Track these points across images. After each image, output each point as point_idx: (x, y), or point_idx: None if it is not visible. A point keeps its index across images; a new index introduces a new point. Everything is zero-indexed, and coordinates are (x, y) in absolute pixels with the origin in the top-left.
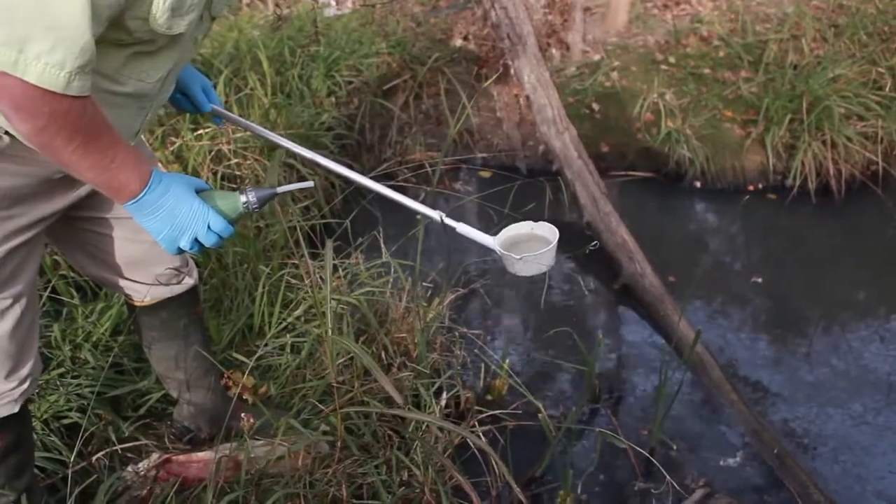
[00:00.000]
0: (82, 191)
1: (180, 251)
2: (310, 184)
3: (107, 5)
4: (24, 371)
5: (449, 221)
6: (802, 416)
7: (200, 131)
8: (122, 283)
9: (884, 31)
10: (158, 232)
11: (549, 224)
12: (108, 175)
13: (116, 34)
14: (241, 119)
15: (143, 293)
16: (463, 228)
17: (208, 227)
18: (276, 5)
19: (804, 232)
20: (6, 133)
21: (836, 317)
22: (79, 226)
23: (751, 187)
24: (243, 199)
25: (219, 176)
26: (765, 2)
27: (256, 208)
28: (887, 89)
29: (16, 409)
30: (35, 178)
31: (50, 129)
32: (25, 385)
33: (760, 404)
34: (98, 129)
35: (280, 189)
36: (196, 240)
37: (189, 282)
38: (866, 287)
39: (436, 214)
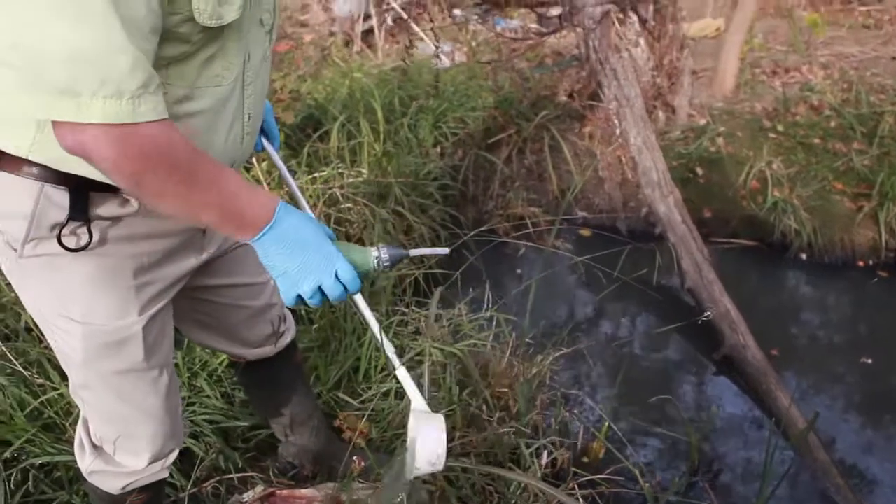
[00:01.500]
0: (207, 252)
1: (298, 301)
2: (445, 251)
3: (142, 16)
4: (178, 439)
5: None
6: None
7: (316, 174)
8: (224, 346)
9: None
10: (282, 271)
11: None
12: (229, 207)
13: (176, 47)
14: (278, 159)
15: (245, 355)
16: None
17: (336, 275)
18: (403, 60)
19: None
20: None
21: None
22: (189, 294)
23: (860, 263)
24: (375, 254)
25: (331, 220)
26: (880, 73)
27: (387, 266)
28: None
29: (166, 475)
30: (169, 241)
31: (145, 169)
32: (176, 451)
33: (867, 493)
34: (196, 158)
35: (412, 252)
36: (320, 288)
37: (286, 340)
38: None
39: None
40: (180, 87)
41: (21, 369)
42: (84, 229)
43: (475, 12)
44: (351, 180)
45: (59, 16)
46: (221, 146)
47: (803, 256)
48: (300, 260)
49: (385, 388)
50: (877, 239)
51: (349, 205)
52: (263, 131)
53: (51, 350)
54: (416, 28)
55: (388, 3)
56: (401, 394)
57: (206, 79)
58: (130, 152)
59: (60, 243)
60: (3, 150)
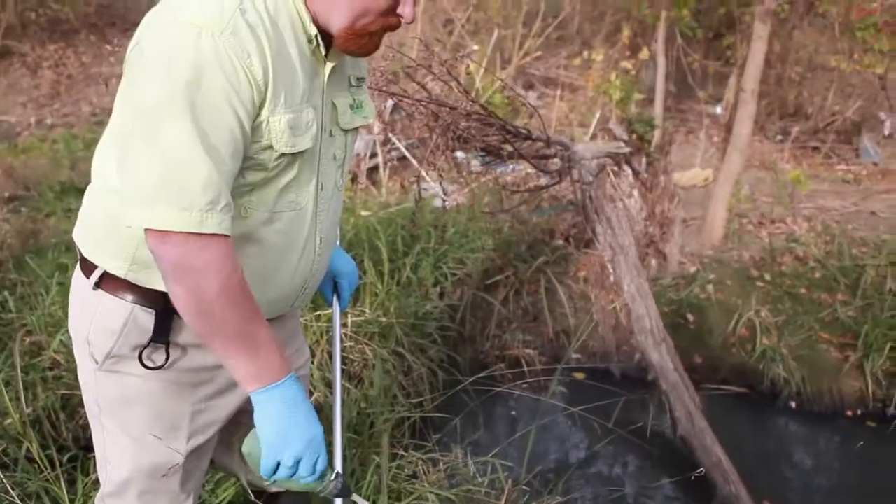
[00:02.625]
0: None
1: (274, 468)
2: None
3: (225, 141)
4: None
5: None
6: None
7: (319, 312)
8: (254, 476)
9: None
10: (270, 433)
11: None
12: (249, 349)
13: (256, 174)
14: (337, 321)
15: (268, 487)
16: None
17: (316, 462)
18: (413, 212)
19: None
20: None
21: None
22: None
23: (849, 412)
24: (331, 477)
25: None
26: (860, 226)
27: (334, 490)
28: None
29: None
30: (228, 375)
31: (196, 278)
32: None
33: None
34: (242, 290)
35: (354, 497)
36: (297, 463)
37: None
38: None
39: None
40: (262, 210)
41: (18, 501)
42: (162, 351)
43: (477, 160)
44: (354, 319)
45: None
46: (295, 264)
47: (793, 405)
48: (289, 428)
49: None
50: (864, 389)
51: (351, 343)
52: (336, 291)
53: (51, 482)
54: (422, 171)
55: (394, 143)
56: None
57: (284, 204)
58: (187, 259)
59: (141, 362)
60: (106, 269)
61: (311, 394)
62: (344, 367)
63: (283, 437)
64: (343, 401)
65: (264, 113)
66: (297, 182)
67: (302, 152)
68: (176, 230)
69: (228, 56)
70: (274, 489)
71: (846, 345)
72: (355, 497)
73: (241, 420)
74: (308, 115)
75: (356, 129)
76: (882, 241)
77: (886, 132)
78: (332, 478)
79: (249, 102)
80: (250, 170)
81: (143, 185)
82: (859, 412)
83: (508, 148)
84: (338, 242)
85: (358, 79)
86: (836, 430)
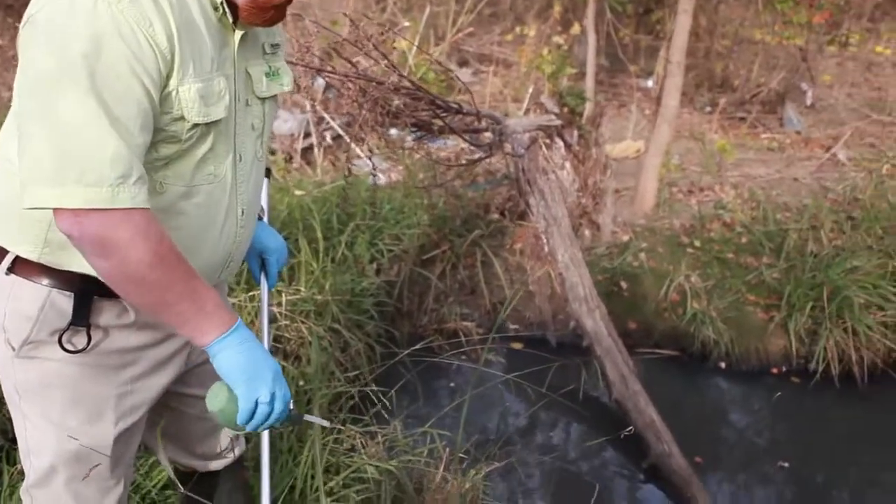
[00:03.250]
0: (181, 365)
1: (251, 413)
2: (327, 423)
3: (133, 114)
4: None
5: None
6: None
7: (253, 292)
8: (177, 454)
9: None
10: (240, 377)
11: None
12: (194, 308)
13: (170, 147)
14: (265, 300)
15: (197, 466)
16: None
17: (284, 393)
18: (343, 188)
19: (829, 417)
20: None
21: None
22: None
23: (774, 370)
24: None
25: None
26: (784, 192)
27: (289, 415)
28: None
29: None
30: (158, 354)
31: (120, 254)
32: None
33: None
34: (172, 255)
35: (306, 416)
36: (272, 398)
37: (238, 453)
38: (891, 474)
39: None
40: (179, 184)
41: None
42: (83, 334)
43: (410, 136)
44: (289, 298)
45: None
46: (217, 237)
47: (722, 365)
48: (259, 367)
49: None
50: (788, 347)
51: (286, 322)
52: (264, 269)
53: None
54: (355, 147)
55: (328, 123)
56: None
57: (201, 177)
58: (108, 236)
59: (62, 346)
60: (18, 254)
61: None
62: (280, 345)
63: (254, 377)
64: None
65: (172, 82)
66: (214, 154)
67: (216, 123)
68: (87, 208)
69: (128, 23)
70: (208, 468)
71: (771, 305)
72: (309, 417)
73: (169, 403)
74: (219, 84)
75: (274, 97)
76: (804, 206)
77: (808, 102)
78: (291, 407)
79: (155, 72)
80: (163, 143)
81: (46, 165)
82: (784, 369)
83: (439, 123)
84: (265, 219)
85: (273, 45)
86: (763, 387)
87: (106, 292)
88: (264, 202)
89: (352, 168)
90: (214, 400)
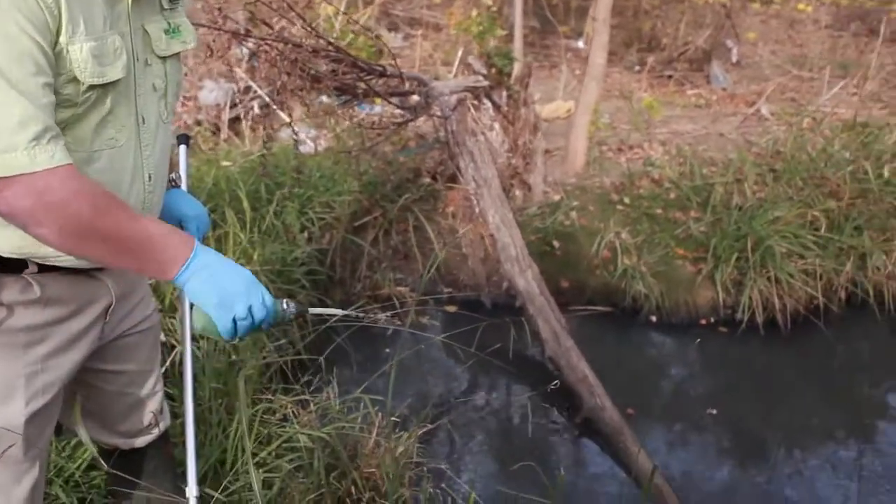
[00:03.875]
0: (95, 340)
1: (232, 328)
2: (341, 312)
3: (31, 72)
4: None
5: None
6: None
7: None
8: (98, 433)
9: (816, 177)
10: (212, 299)
11: None
12: (146, 249)
13: (65, 111)
14: None
15: (119, 444)
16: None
17: (262, 299)
18: (263, 155)
19: (754, 363)
20: (35, 282)
21: (789, 446)
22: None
23: (703, 321)
24: (283, 304)
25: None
26: (710, 147)
27: (291, 315)
28: (823, 230)
29: None
30: (68, 331)
31: (56, 216)
32: None
33: None
34: (108, 203)
35: (311, 310)
36: (251, 311)
37: (160, 430)
38: (814, 416)
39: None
40: (79, 150)
41: None
42: None
43: (335, 101)
44: None
45: None
46: None
47: (653, 318)
48: (228, 285)
49: (251, 480)
50: (715, 298)
51: None
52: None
53: None
54: (282, 115)
55: (255, 91)
56: (269, 483)
57: (102, 142)
58: (40, 200)
59: None
60: None
61: (170, 347)
62: None
63: (225, 295)
64: (193, 354)
65: (62, 40)
66: (114, 117)
67: (114, 84)
68: (7, 176)
69: None
70: (132, 445)
71: (698, 258)
72: (315, 310)
73: (86, 379)
74: (114, 42)
75: (177, 55)
76: (729, 160)
77: (734, 59)
78: (285, 305)
79: (45, 29)
80: (58, 107)
81: None
82: (712, 320)
83: (363, 86)
84: (183, 186)
85: (171, 1)
86: (692, 338)
87: (7, 268)
88: (182, 170)
89: (273, 136)
90: (196, 320)
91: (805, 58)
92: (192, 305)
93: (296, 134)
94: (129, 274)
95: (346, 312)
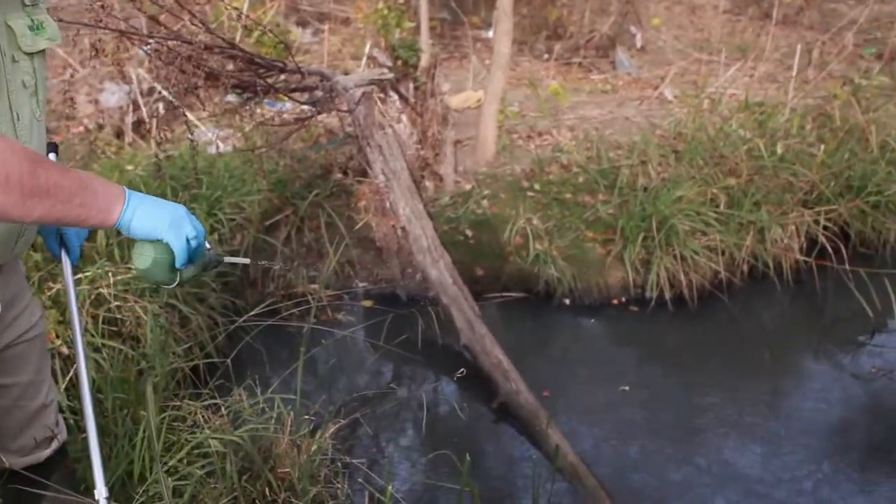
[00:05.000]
0: None
1: (188, 251)
2: (246, 260)
3: None
4: None
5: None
6: None
7: (80, 275)
8: None
9: (716, 156)
10: (162, 225)
11: None
12: (92, 191)
13: None
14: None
15: (13, 464)
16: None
17: (195, 229)
18: (156, 155)
19: (664, 340)
20: None
21: (698, 417)
22: None
23: (615, 301)
24: (207, 246)
25: (100, 320)
26: (616, 131)
27: (213, 257)
28: (722, 207)
29: None
30: None
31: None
32: None
33: None
34: (34, 154)
35: (226, 258)
36: (197, 232)
37: (57, 445)
38: (722, 387)
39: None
40: None
41: None
42: None
43: (236, 100)
44: (120, 278)
45: None
46: None
47: (567, 302)
48: (171, 209)
49: (159, 489)
50: (626, 278)
51: (119, 303)
52: (64, 243)
53: None
54: (189, 115)
55: (159, 93)
56: (180, 491)
57: None
58: None
59: None
60: None
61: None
62: (114, 328)
63: (174, 217)
64: (97, 364)
65: None
66: None
67: None
68: None
69: None
70: (25, 463)
71: (608, 240)
72: (230, 259)
73: None
74: None
75: (43, 52)
76: (634, 143)
77: (638, 45)
78: (208, 247)
79: None
80: None
81: None
82: (623, 299)
83: (262, 83)
84: None
85: None
86: (605, 318)
87: None
88: None
89: (169, 138)
90: (143, 258)
91: (706, 42)
92: (133, 249)
93: (192, 134)
94: (12, 278)
95: (247, 261)
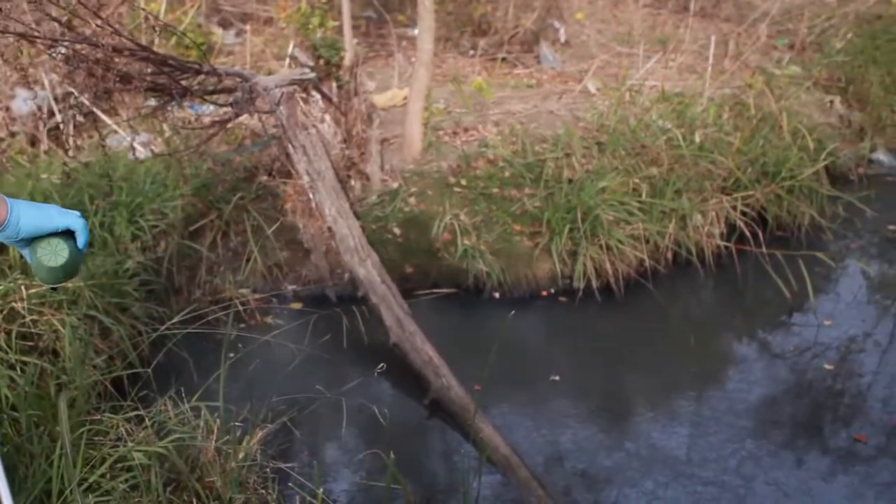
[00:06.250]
0: None
1: (85, 226)
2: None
3: None
4: None
5: None
6: (604, 500)
7: None
8: None
9: (637, 147)
10: (50, 208)
11: None
12: None
13: None
14: None
15: None
16: None
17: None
18: (64, 163)
19: (592, 329)
20: None
21: (627, 403)
22: None
23: (544, 293)
24: None
25: (13, 335)
26: (541, 125)
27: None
28: (644, 196)
29: None
30: None
31: None
32: None
33: (566, 494)
34: None
35: None
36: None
37: None
38: (649, 373)
39: None
40: None
41: None
42: None
43: (152, 104)
44: (34, 290)
45: None
46: None
47: (496, 295)
48: (49, 205)
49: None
50: (553, 269)
51: (34, 317)
52: None
53: None
54: (107, 120)
55: (75, 98)
56: None
57: None
58: None
59: None
60: None
61: None
62: (30, 342)
63: (58, 208)
64: (11, 380)
65: None
66: None
67: None
68: None
69: None
70: None
71: (535, 233)
72: None
73: None
74: None
75: None
76: (558, 136)
77: (562, 39)
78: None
79: None
80: None
81: None
82: (552, 291)
83: (178, 86)
84: None
85: None
86: (534, 310)
87: None
88: None
89: (80, 145)
90: (59, 254)
91: (628, 35)
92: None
93: (103, 139)
94: None
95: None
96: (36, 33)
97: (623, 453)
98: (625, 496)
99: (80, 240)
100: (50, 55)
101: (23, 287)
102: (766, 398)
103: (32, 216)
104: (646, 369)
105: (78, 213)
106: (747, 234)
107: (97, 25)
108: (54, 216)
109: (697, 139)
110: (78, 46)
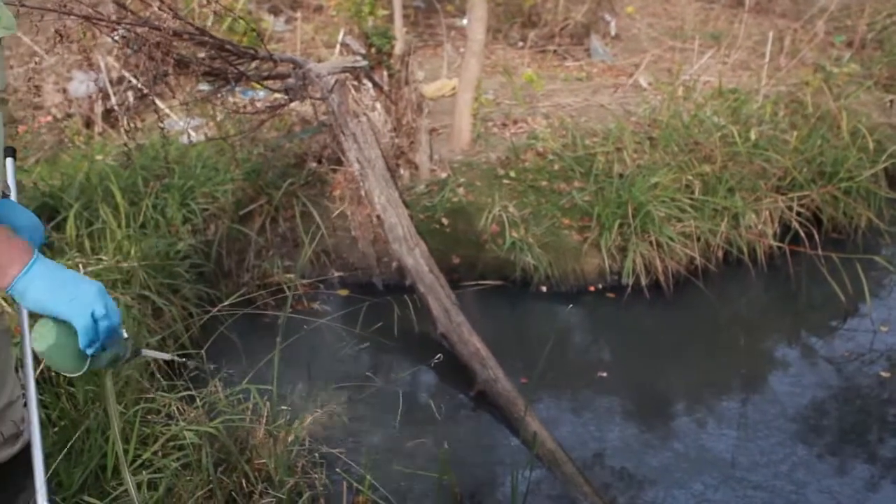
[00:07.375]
0: None
1: (92, 331)
2: (168, 356)
3: None
4: None
5: None
6: (651, 500)
7: None
8: None
9: (690, 143)
10: (64, 295)
11: None
12: None
13: None
14: None
15: None
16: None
17: (114, 305)
18: (125, 144)
19: (640, 326)
20: None
21: (674, 403)
22: None
23: (591, 288)
24: (124, 334)
25: None
26: (591, 118)
27: (129, 346)
28: (697, 193)
29: None
30: None
31: None
32: None
33: (612, 492)
34: None
35: (144, 351)
36: (107, 309)
37: (27, 436)
38: (698, 373)
39: None
40: None
41: None
42: None
43: (208, 88)
44: (90, 269)
45: None
46: None
47: (543, 289)
48: (80, 284)
49: (137, 480)
50: (602, 265)
51: None
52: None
53: None
54: (160, 104)
55: (129, 81)
56: (155, 484)
57: None
58: None
59: None
60: None
61: None
62: None
63: (79, 293)
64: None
65: None
66: None
67: None
68: None
69: None
70: None
71: (584, 227)
72: (147, 352)
73: None
74: None
75: None
76: (609, 130)
77: (613, 33)
78: (125, 335)
79: None
80: None
81: None
82: (600, 286)
83: (234, 71)
84: (13, 196)
85: None
86: (582, 305)
87: None
88: (11, 181)
89: (140, 127)
90: (41, 339)
91: (680, 30)
92: (33, 323)
93: (162, 122)
94: None
95: (172, 357)
96: (99, 15)
97: (671, 453)
98: (673, 497)
99: (81, 340)
100: (112, 38)
101: (80, 265)
102: (818, 403)
103: (42, 293)
104: (694, 369)
105: (101, 311)
106: (802, 234)
107: (158, 8)
108: (61, 303)
109: (753, 136)
110: (139, 29)
